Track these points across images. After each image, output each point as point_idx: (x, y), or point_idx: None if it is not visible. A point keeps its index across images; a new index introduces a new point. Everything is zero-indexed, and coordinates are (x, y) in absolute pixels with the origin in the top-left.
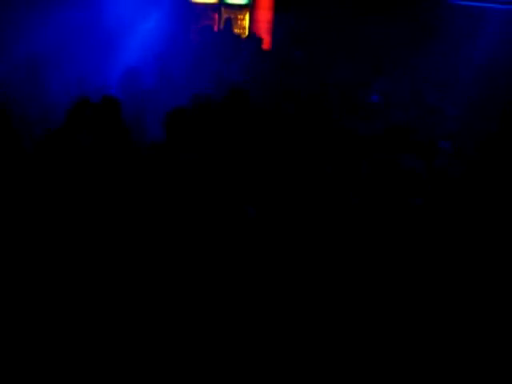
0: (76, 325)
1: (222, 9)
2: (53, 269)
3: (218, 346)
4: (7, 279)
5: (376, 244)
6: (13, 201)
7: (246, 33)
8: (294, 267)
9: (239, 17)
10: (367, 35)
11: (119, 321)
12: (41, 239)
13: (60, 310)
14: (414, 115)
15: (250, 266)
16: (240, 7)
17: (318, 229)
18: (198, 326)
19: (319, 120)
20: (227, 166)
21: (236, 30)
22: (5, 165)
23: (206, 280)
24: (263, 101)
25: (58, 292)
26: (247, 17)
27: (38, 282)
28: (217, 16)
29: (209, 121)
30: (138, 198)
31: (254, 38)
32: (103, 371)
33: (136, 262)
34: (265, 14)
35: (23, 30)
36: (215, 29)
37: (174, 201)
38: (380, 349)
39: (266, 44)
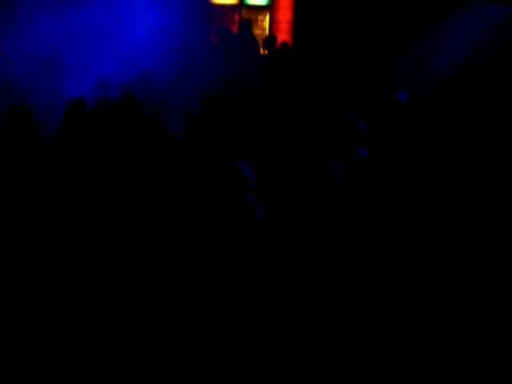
0: (75, 325)
1: (242, 10)
2: (53, 268)
3: (217, 346)
4: (8, 278)
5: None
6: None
7: (266, 33)
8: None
9: (259, 17)
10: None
11: (118, 321)
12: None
13: (60, 310)
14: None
15: (250, 263)
16: (260, 8)
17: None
18: (197, 324)
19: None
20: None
21: (257, 31)
22: (23, 162)
23: (205, 278)
24: (278, 99)
25: (58, 291)
26: (267, 18)
27: (38, 280)
28: (237, 17)
29: (223, 120)
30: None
31: (271, 37)
32: (103, 371)
33: (136, 261)
34: (285, 15)
35: (39, 30)
36: (235, 29)
37: (189, 199)
38: (380, 347)
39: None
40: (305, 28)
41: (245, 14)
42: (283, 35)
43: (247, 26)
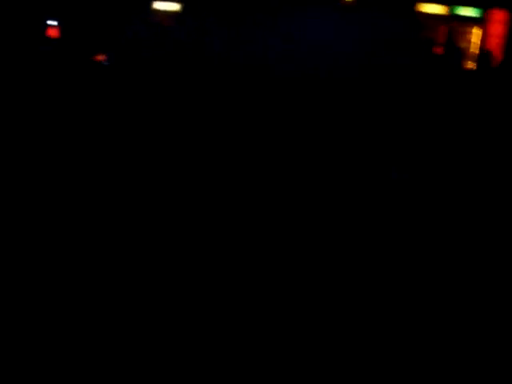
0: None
1: (451, 20)
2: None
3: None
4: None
5: None
6: None
7: (474, 48)
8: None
9: (467, 30)
10: None
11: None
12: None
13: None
14: None
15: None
16: (470, 20)
17: None
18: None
19: None
20: None
21: (463, 44)
22: None
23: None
24: None
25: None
26: (475, 31)
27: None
28: (444, 29)
29: None
30: None
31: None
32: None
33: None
34: (497, 29)
35: None
36: (441, 40)
37: None
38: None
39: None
40: None
41: (453, 25)
42: (494, 51)
43: (450, 34)
